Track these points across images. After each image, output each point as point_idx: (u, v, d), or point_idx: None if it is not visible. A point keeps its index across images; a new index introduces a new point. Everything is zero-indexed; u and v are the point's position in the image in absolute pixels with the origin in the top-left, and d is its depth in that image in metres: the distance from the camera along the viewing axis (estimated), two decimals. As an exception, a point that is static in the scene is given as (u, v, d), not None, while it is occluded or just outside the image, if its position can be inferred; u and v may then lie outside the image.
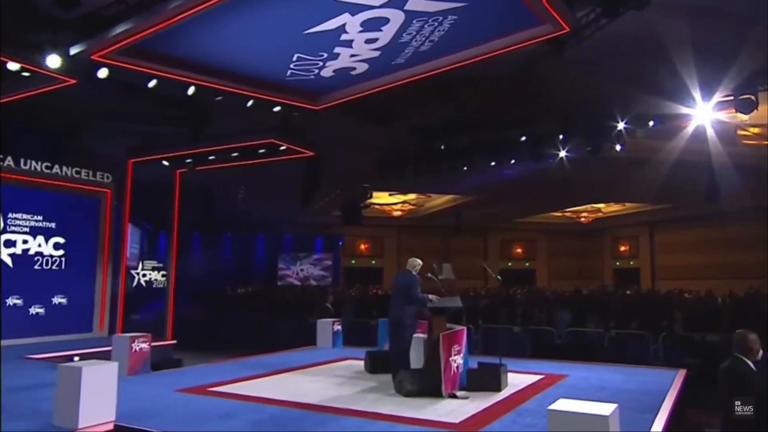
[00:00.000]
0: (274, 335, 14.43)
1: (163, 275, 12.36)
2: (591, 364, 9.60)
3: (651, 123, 11.92)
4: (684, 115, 12.53)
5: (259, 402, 6.45)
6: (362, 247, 31.20)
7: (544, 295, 19.91)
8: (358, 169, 17.36)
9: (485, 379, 7.31)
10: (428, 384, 6.91)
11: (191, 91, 8.74)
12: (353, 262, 30.19)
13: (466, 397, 6.86)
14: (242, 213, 24.36)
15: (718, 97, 11.42)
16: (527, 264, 32.81)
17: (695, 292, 19.59)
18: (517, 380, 7.89)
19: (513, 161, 14.67)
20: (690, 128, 12.81)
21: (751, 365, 4.56)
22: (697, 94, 11.34)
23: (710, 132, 12.72)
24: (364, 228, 28.69)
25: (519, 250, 33.06)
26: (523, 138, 12.97)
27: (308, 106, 10.27)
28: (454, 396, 6.87)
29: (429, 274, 8.26)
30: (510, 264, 32.47)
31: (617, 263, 31.56)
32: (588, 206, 28.33)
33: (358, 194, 19.48)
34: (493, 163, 14.96)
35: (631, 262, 30.83)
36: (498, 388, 7.20)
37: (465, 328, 7.75)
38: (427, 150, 14.81)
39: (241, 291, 21.65)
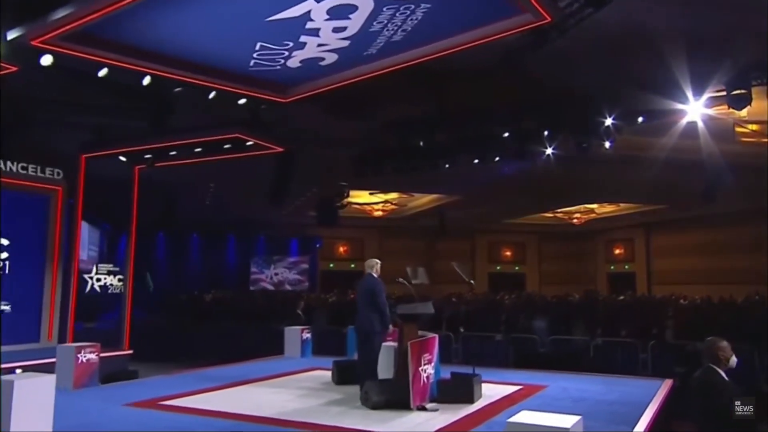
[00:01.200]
0: (241, 344, 14.36)
1: (119, 280, 12.22)
2: (574, 374, 9.70)
3: (640, 119, 12.05)
4: (676, 111, 12.69)
5: (211, 416, 6.44)
6: (341, 249, 31.21)
7: (532, 300, 20.07)
8: (333, 167, 17.36)
9: (457, 391, 7.36)
10: (396, 395, 6.94)
11: (146, 81, 8.68)
12: (331, 265, 30.17)
13: (436, 410, 6.90)
14: (211, 213, 24.27)
15: (710, 92, 11.58)
16: (517, 268, 33.04)
17: (691, 298, 19.85)
18: (492, 391, 7.95)
19: (497, 159, 14.73)
20: (682, 124, 12.98)
21: (723, 374, 4.64)
22: (688, 89, 11.49)
23: (702, 128, 12.89)
24: (343, 229, 28.67)
25: (508, 253, 33.30)
26: (507, 134, 13.03)
27: (275, 99, 10.23)
28: (423, 408, 6.91)
29: (400, 279, 8.29)
30: (499, 268, 32.70)
31: (611, 267, 31.92)
32: (581, 207, 28.55)
33: (334, 193, 19.46)
34: (476, 161, 15.03)
35: (626, 266, 31.18)
36: (470, 400, 7.24)
37: (436, 335, 7.79)
38: (406, 147, 14.84)
39: (208, 297, 21.54)
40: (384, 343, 8.05)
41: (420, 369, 7.09)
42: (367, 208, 27.39)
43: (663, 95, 11.89)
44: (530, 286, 31.10)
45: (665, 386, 8.36)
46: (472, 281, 8.65)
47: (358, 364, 7.85)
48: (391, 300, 15.71)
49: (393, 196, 26.05)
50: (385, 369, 7.87)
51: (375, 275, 7.99)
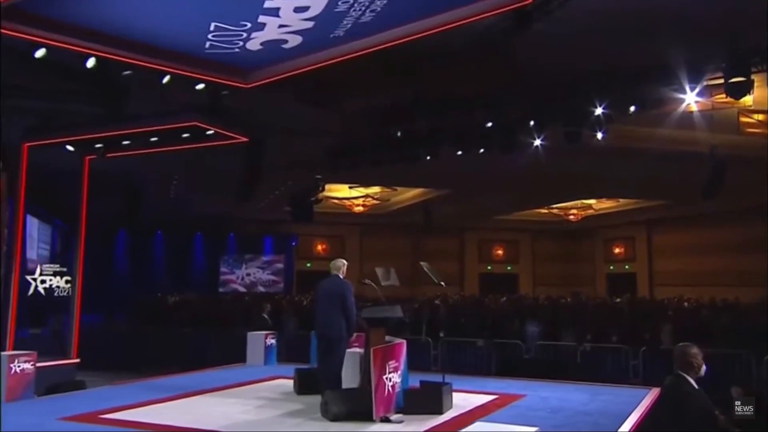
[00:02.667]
0: (203, 351, 14.39)
1: (67, 281, 12.15)
2: (559, 382, 9.77)
3: (633, 108, 12.13)
4: (673, 100, 12.80)
5: (154, 430, 6.42)
6: (319, 248, 31.23)
7: (521, 303, 20.17)
8: (306, 159, 17.35)
9: (425, 401, 7.39)
10: (358, 406, 6.95)
11: (91, 63, 8.63)
12: (308, 265, 30.19)
13: (401, 421, 6.92)
14: (176, 209, 24.14)
15: (708, 79, 11.68)
16: (509, 268, 33.25)
17: (695, 300, 20.03)
18: (466, 401, 7.99)
19: (482, 150, 14.80)
20: (679, 113, 13.10)
21: (693, 383, 4.70)
22: (684, 76, 11.59)
23: (701, 118, 13.01)
24: (321, 226, 28.70)
25: (500, 252, 33.51)
26: (490, 124, 13.09)
27: (236, 84, 10.19)
28: (387, 420, 6.92)
29: (367, 281, 8.31)
30: (490, 268, 32.87)
31: (611, 267, 32.17)
32: (577, 202, 28.73)
33: (309, 187, 19.47)
34: (459, 153, 15.09)
35: (627, 267, 31.44)
36: (439, 411, 7.27)
37: (404, 341, 7.82)
38: (382, 137, 14.87)
39: (172, 299, 21.49)
40: (349, 350, 8.08)
41: (384, 377, 7.10)
42: (347, 203, 27.41)
43: (657, 82, 11.98)
44: (524, 288, 31.28)
45: (651, 395, 8.42)
46: (442, 283, 8.63)
47: (320, 373, 7.87)
48: (367, 303, 15.79)
49: (374, 190, 26.08)
50: (350, 377, 7.88)
51: (342, 277, 7.99)
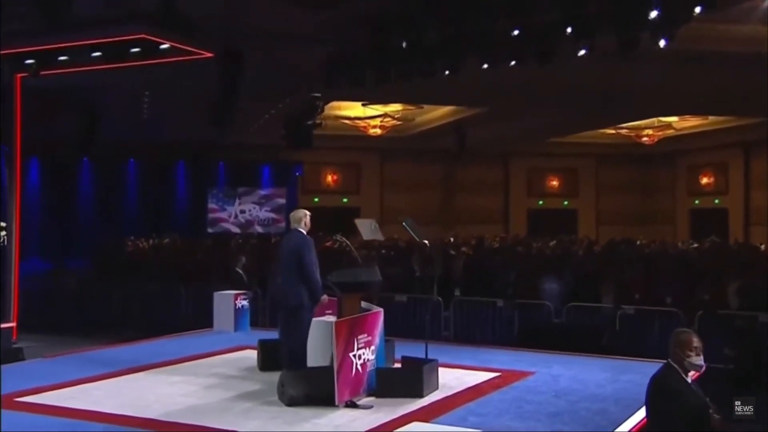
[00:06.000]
0: (171, 312, 14.87)
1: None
2: (584, 355, 9.97)
3: (697, 9, 11.79)
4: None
5: (74, 417, 6.81)
6: (329, 178, 31.46)
7: (570, 249, 20.14)
8: (299, 74, 17.36)
9: (402, 382, 7.68)
10: (318, 389, 7.27)
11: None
12: (316, 200, 30.44)
13: (370, 407, 7.23)
14: (151, 132, 24.36)
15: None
16: (566, 203, 33.20)
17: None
18: (459, 381, 8.32)
19: (513, 63, 14.65)
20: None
21: (686, 377, 4.83)
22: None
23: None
24: (332, 152, 28.87)
25: (554, 183, 33.48)
26: (517, 32, 12.90)
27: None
28: (353, 405, 7.23)
29: (338, 237, 8.52)
30: (541, 203, 32.89)
31: (696, 202, 31.90)
32: (653, 120, 28.21)
33: (305, 108, 19.50)
34: (485, 66, 14.96)
35: (716, 201, 31.08)
36: (419, 394, 7.56)
37: (381, 310, 8.05)
38: (389, 47, 14.77)
39: (144, 244, 22.03)
40: (319, 318, 8.36)
41: (351, 354, 7.38)
42: (360, 123, 27.34)
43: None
44: (584, 228, 31.27)
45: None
46: (425, 242, 8.80)
47: (282, 348, 8.18)
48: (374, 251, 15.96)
49: (394, 107, 25.96)
50: (320, 353, 8.12)
51: (303, 231, 8.19)
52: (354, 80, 16.60)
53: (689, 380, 4.91)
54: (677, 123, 28.55)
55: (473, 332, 12.84)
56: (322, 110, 19.74)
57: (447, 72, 15.36)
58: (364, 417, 6.92)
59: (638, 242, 22.62)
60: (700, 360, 4.93)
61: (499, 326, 12.79)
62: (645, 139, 29.92)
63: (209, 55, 12.54)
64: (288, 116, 20.93)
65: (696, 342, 4.93)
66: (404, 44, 14.00)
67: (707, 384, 9.59)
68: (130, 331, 13.37)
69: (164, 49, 11.88)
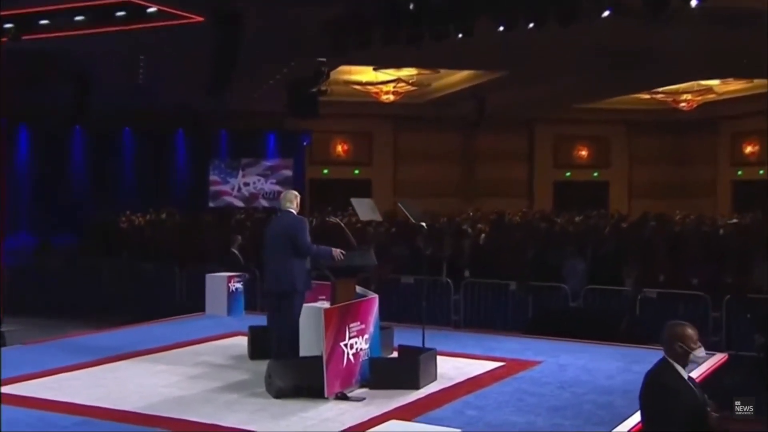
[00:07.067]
0: (165, 294, 15.04)
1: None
2: (597, 343, 10.03)
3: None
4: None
5: (47, 409, 6.94)
6: (339, 148, 31.46)
7: (601, 224, 20.09)
8: (301, 35, 17.36)
9: (397, 373, 7.76)
10: (307, 380, 7.37)
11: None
12: (325, 172, 30.57)
13: (362, 399, 7.33)
14: (148, 99, 24.46)
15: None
16: (596, 174, 33.04)
17: None
18: (460, 370, 8.43)
19: (531, 25, 14.61)
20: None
21: (683, 373, 4.87)
22: None
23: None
24: (341, 120, 28.84)
25: (583, 153, 33.32)
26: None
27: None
28: (344, 397, 7.33)
29: (330, 218, 8.59)
30: (569, 174, 32.72)
31: (739, 173, 31.62)
32: (692, 84, 27.94)
33: (310, 74, 19.50)
34: (501, 29, 14.94)
35: (761, 171, 30.74)
36: (415, 385, 7.65)
37: (376, 296, 8.13)
38: (395, 5, 14.77)
39: (141, 220, 22.23)
40: (311, 304, 8.46)
41: (342, 344, 7.47)
42: (372, 89, 27.31)
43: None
44: (615, 202, 31.20)
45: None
46: (423, 224, 8.86)
47: (273, 335, 8.28)
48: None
49: (408, 72, 25.89)
50: (314, 341, 8.21)
51: (294, 212, 8.26)
52: (360, 43, 16.61)
53: (686, 377, 4.94)
54: (719, 87, 28.29)
55: (484, 317, 12.93)
56: (328, 77, 19.73)
57: (460, 35, 15.38)
58: (354, 410, 7.01)
59: (676, 217, 22.59)
60: (704, 351, 4.97)
61: (512, 311, 12.88)
62: (683, 104, 29.66)
63: (199, 19, 12.61)
64: (292, 83, 20.97)
65: (696, 333, 4.95)
66: (411, 6, 13.99)
67: (735, 373, 9.73)
68: (119, 314, 13.53)
69: (151, 13, 11.99)
